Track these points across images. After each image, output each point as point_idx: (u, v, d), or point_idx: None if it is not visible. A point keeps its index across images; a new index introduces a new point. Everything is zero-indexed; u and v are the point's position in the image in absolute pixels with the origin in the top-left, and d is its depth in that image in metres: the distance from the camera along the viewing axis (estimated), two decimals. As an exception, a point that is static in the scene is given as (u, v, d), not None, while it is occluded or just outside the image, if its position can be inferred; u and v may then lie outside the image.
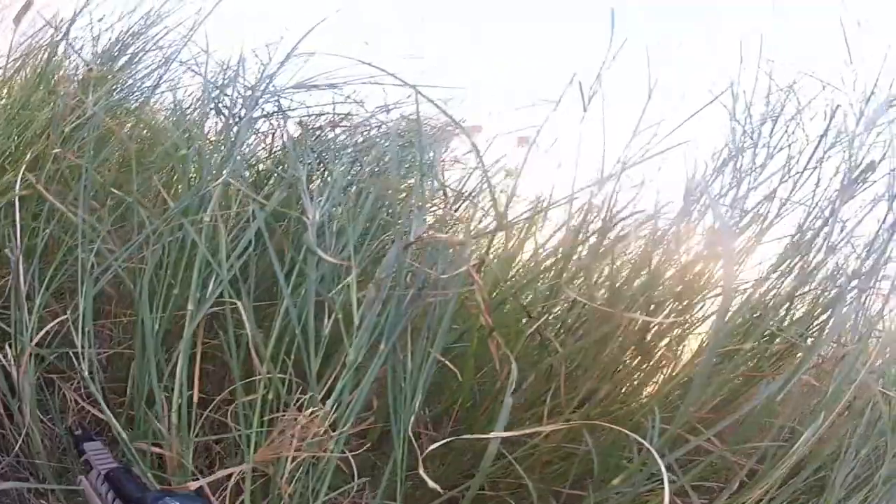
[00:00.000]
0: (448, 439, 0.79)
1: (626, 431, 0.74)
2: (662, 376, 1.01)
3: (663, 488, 0.97)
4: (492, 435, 0.76)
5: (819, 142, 1.01)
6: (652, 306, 0.92)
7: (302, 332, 0.90)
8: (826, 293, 1.06)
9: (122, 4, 1.31)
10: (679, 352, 1.03)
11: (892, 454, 1.06)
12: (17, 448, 1.05)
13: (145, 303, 0.95)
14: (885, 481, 1.05)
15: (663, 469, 0.72)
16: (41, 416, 1.09)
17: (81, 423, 1.13)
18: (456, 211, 1.07)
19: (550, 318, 1.05)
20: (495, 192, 1.01)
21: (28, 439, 1.06)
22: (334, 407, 0.88)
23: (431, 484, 0.75)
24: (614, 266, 0.96)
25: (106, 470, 0.85)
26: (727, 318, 0.99)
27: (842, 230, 1.09)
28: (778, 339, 1.00)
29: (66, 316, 0.95)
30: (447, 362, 0.90)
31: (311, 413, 0.88)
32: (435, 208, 1.03)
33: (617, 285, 0.94)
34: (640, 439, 0.74)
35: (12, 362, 1.00)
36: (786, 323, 1.05)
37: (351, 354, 0.88)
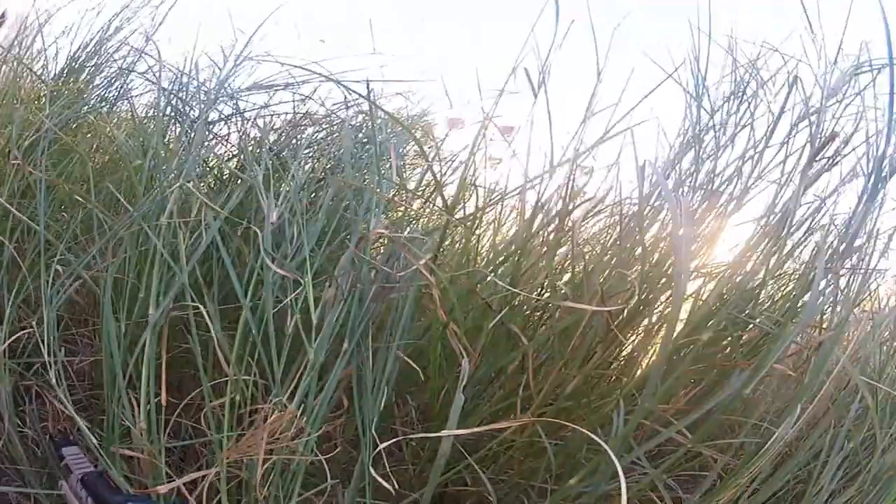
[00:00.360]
0: (400, 438, 0.79)
1: (580, 429, 0.74)
2: (633, 367, 1.01)
3: (636, 481, 0.98)
4: (444, 433, 0.76)
5: (779, 117, 1.00)
6: (614, 296, 0.91)
7: (262, 335, 0.92)
8: (805, 275, 1.04)
9: (84, 15, 1.33)
10: (652, 342, 1.02)
11: (881, 450, 1.04)
12: (-3, 453, 1.09)
13: (108, 308, 0.98)
14: (875, 479, 1.03)
15: (619, 468, 0.71)
16: (25, 423, 1.13)
17: (62, 429, 1.17)
18: (419, 205, 1.08)
19: (521, 308, 1.05)
20: (441, 187, 1.01)
21: (10, 445, 1.10)
22: (300, 408, 0.90)
23: (385, 485, 0.76)
24: (576, 255, 0.96)
25: (82, 474, 0.89)
26: (698, 306, 0.98)
27: (819, 208, 1.08)
28: (750, 327, 0.98)
29: (32, 328, 0.98)
30: (408, 360, 0.91)
31: (277, 414, 0.90)
32: (395, 203, 1.03)
33: (578, 276, 0.94)
34: (595, 437, 0.74)
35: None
36: (762, 308, 1.04)
37: (311, 355, 0.89)
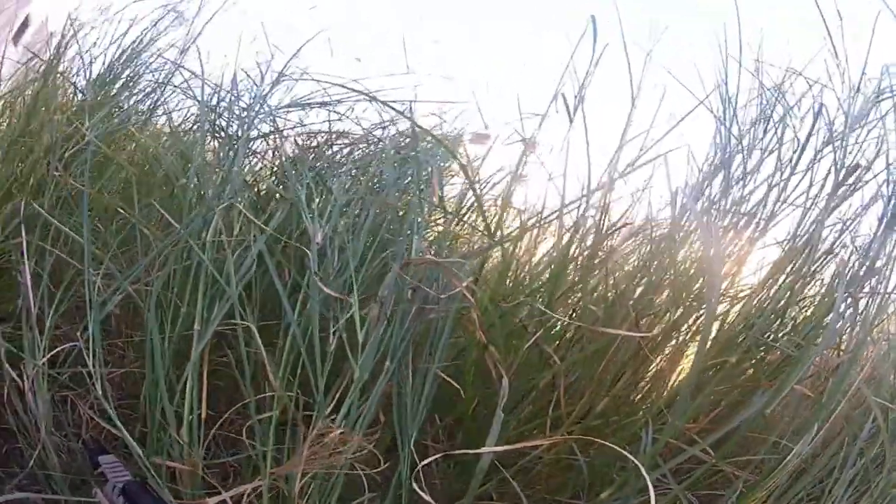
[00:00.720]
0: (441, 455, 0.89)
1: (612, 445, 0.84)
2: (660, 387, 1.11)
3: (662, 495, 1.09)
4: (484, 450, 0.86)
5: (806, 142, 1.10)
6: (645, 319, 1.02)
7: (308, 351, 1.01)
8: (824, 299, 1.15)
9: (115, 28, 1.41)
10: (679, 362, 1.13)
11: (889, 467, 1.15)
12: (32, 462, 1.18)
13: (154, 322, 1.06)
14: (882, 493, 1.14)
15: (649, 483, 0.81)
16: (56, 432, 1.22)
17: (96, 438, 1.25)
18: (456, 224, 1.17)
19: (554, 330, 1.15)
20: (494, 204, 1.10)
21: (44, 453, 1.18)
22: (343, 423, 0.99)
23: (427, 498, 0.86)
24: (609, 278, 1.06)
25: (122, 483, 0.97)
26: (725, 328, 1.09)
27: (840, 231, 1.18)
28: (773, 349, 1.09)
29: (77, 339, 1.07)
30: (447, 378, 1.00)
31: (333, 432, 0.99)
32: (434, 224, 1.13)
33: (610, 298, 1.04)
34: (626, 453, 0.84)
35: (27, 381, 1.12)
36: (786, 330, 1.15)
37: (357, 372, 0.99)
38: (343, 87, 1.09)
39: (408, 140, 1.15)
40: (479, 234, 1.21)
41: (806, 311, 1.20)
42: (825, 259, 1.19)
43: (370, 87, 1.12)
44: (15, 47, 1.32)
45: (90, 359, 1.07)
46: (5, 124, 1.30)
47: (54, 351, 1.12)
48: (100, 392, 1.06)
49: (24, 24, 1.43)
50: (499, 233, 1.03)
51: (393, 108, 0.99)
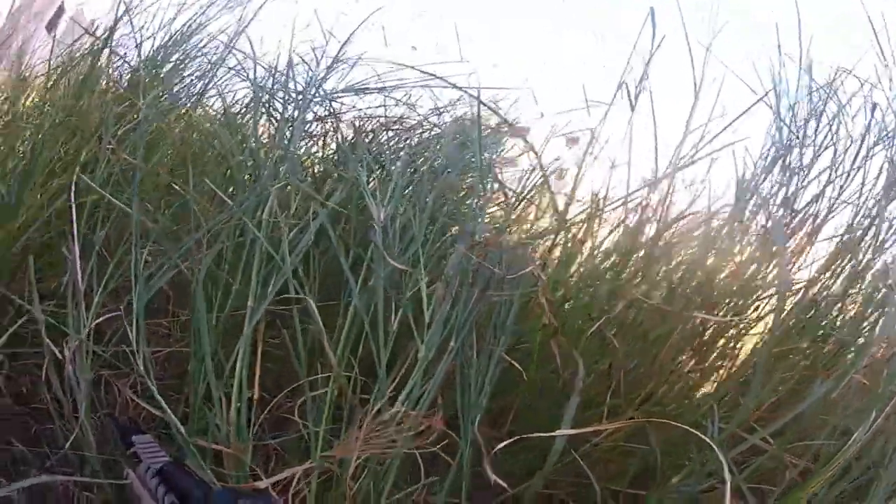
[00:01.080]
0: (515, 438, 0.90)
1: (689, 429, 0.86)
2: (719, 376, 1.14)
3: (718, 488, 1.11)
4: (558, 433, 0.88)
5: (862, 140, 1.15)
6: (704, 310, 1.05)
7: (372, 329, 1.02)
8: (877, 292, 1.19)
9: (162, 11, 1.44)
10: (736, 351, 1.15)
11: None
12: (68, 444, 1.17)
13: (201, 300, 1.06)
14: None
15: (725, 465, 0.83)
16: (91, 412, 1.21)
17: (131, 418, 1.25)
18: (514, 210, 1.20)
19: (611, 317, 1.17)
20: (552, 193, 1.13)
21: (80, 434, 1.17)
22: (405, 403, 1.00)
23: (499, 482, 0.87)
24: (671, 266, 1.09)
25: (159, 464, 0.95)
26: (782, 318, 1.12)
27: (889, 228, 1.23)
28: (831, 339, 1.12)
29: (118, 313, 1.06)
30: (513, 362, 1.02)
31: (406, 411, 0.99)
32: (494, 208, 1.15)
33: (673, 286, 1.07)
34: (702, 436, 0.86)
35: (70, 359, 1.12)
36: (839, 322, 1.18)
37: (422, 351, 1.00)
38: (403, 65, 1.10)
39: (465, 121, 1.18)
40: (540, 217, 1.24)
41: (855, 302, 1.24)
42: (875, 255, 1.23)
43: (423, 76, 1.15)
44: (49, 34, 1.33)
45: (133, 334, 1.07)
46: (47, 105, 1.30)
47: (97, 321, 1.12)
48: (142, 369, 1.05)
49: (59, 12, 1.44)
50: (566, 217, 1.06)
51: (460, 89, 1.02)
